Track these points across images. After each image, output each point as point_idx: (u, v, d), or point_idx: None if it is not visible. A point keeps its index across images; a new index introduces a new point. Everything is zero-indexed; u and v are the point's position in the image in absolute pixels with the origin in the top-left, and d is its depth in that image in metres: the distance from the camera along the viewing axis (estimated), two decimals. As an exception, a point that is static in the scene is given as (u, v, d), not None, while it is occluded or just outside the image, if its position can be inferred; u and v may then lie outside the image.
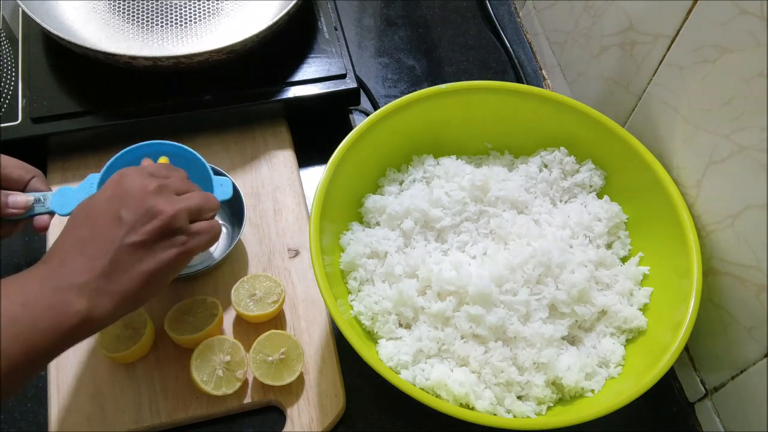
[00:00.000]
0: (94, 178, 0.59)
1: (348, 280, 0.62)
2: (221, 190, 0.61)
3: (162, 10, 0.78)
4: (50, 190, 0.58)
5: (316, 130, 0.78)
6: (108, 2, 0.78)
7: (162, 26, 0.77)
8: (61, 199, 0.57)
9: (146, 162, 0.58)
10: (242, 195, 0.67)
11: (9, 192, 0.55)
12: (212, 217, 0.55)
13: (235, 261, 0.68)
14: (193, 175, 0.58)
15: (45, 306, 0.45)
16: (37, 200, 0.56)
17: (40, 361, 0.45)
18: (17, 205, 0.55)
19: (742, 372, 0.58)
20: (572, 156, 0.68)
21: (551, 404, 0.57)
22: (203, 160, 0.61)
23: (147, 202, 0.50)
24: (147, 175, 0.52)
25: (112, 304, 0.47)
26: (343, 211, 0.65)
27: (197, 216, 0.53)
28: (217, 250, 0.68)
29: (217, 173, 0.63)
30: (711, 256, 0.59)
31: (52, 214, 0.57)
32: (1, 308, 0.43)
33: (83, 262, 0.47)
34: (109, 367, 0.61)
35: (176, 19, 0.78)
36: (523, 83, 0.86)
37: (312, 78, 0.75)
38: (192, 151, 0.62)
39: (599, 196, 0.68)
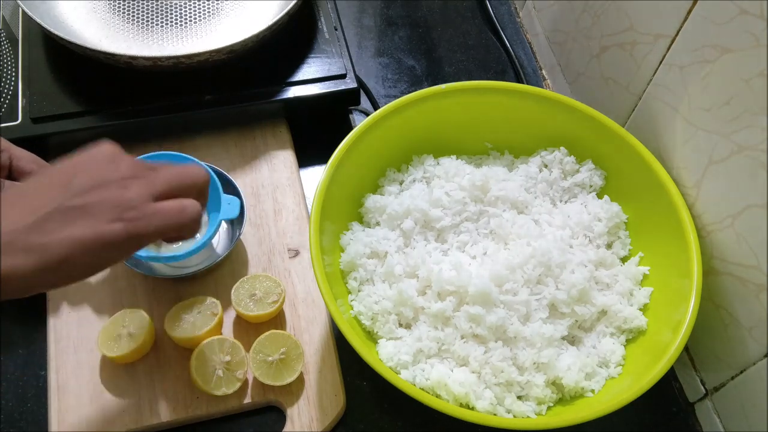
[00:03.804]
0: None
1: (348, 280, 0.62)
2: (229, 209, 0.61)
3: (162, 10, 0.78)
4: None
5: (316, 130, 0.78)
6: (108, 2, 0.78)
7: (162, 26, 0.77)
8: None
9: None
10: (242, 195, 0.67)
11: None
12: (196, 198, 0.48)
13: (235, 261, 0.68)
14: None
15: None
16: None
17: None
18: None
19: (742, 372, 0.58)
20: (572, 156, 0.68)
21: (551, 404, 0.57)
22: (213, 174, 0.61)
23: (105, 173, 0.45)
24: (123, 157, 0.47)
25: (32, 264, 0.41)
26: (343, 211, 0.65)
27: (169, 194, 0.46)
28: (218, 249, 0.68)
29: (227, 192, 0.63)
30: (711, 256, 0.59)
31: None
32: None
33: (11, 214, 0.42)
34: (109, 367, 0.61)
35: (176, 19, 0.78)
36: (523, 83, 0.86)
37: (312, 78, 0.75)
38: (202, 164, 0.61)
39: (599, 196, 0.68)
